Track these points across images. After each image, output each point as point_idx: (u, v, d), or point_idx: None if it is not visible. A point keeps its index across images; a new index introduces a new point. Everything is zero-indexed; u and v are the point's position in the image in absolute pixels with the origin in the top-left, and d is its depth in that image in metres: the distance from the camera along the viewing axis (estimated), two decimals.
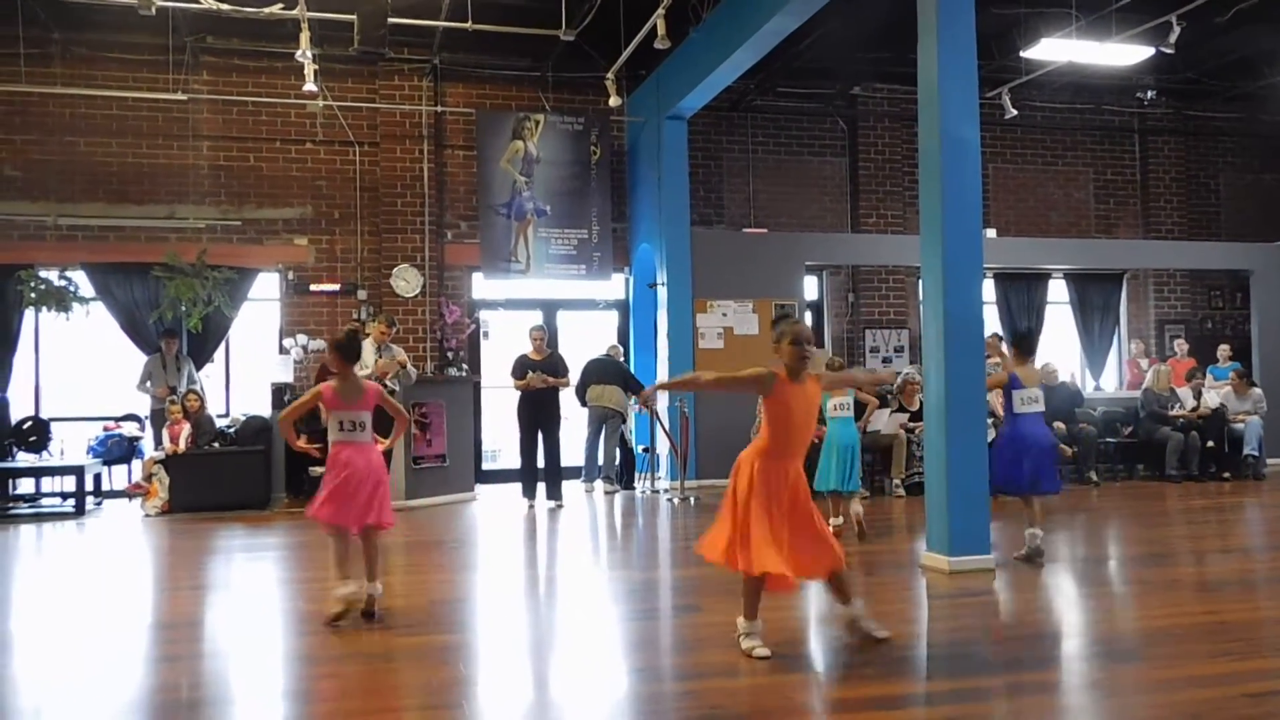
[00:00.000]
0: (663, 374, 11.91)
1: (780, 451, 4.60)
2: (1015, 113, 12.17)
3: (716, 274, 11.88)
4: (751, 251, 12.10)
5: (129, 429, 11.56)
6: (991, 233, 12.68)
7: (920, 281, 7.48)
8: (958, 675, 4.37)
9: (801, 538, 4.58)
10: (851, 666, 4.62)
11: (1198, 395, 12.27)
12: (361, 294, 12.26)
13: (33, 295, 10.91)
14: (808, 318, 12.65)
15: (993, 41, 11.35)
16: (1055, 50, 10.66)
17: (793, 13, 8.93)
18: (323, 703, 4.26)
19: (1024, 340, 7.56)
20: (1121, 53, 10.64)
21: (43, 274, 11.05)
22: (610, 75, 10.71)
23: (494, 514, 9.98)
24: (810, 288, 13.39)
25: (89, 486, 10.52)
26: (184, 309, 11.13)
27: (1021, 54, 10.94)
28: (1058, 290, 14.30)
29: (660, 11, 8.90)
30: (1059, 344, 14.29)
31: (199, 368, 11.65)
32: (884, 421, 11.03)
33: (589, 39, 10.49)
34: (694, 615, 5.68)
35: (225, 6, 9.19)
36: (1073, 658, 4.81)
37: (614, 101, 10.88)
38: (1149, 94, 13.43)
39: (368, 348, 9.66)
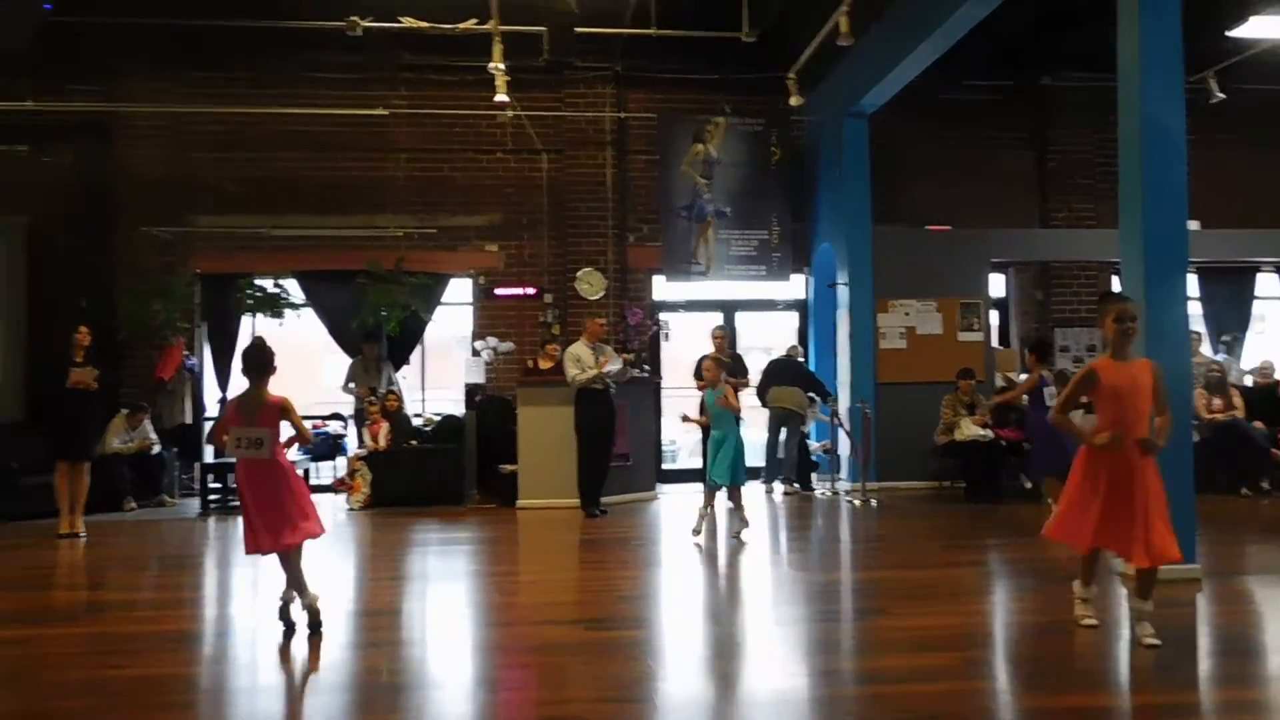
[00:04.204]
0: (844, 375, 11.77)
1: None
2: (1222, 97, 11.45)
3: (898, 272, 11.67)
4: (934, 249, 11.83)
5: (334, 427, 12.27)
6: (1195, 225, 11.97)
7: (1117, 277, 7.17)
8: (1158, 689, 4.20)
9: (1117, 517, 4.78)
10: (1046, 676, 4.50)
11: None
12: (548, 297, 12.63)
13: (249, 302, 11.75)
14: (993, 316, 12.26)
15: (1196, 20, 10.72)
16: (1266, 28, 10.02)
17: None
18: (516, 691, 4.45)
19: (1042, 346, 9.44)
20: None
21: (258, 282, 11.88)
22: (791, 75, 10.66)
23: (675, 513, 10.11)
24: (997, 285, 12.97)
25: None
26: (384, 314, 11.72)
27: (1227, 33, 10.30)
28: (1267, 284, 13.38)
29: (843, 8, 8.81)
30: (1270, 341, 13.39)
31: (397, 369, 12.26)
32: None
33: (767, 39, 10.47)
34: (878, 619, 5.63)
35: (423, 24, 9.63)
36: None
37: (795, 101, 10.82)
38: None
39: (582, 346, 9.95)
